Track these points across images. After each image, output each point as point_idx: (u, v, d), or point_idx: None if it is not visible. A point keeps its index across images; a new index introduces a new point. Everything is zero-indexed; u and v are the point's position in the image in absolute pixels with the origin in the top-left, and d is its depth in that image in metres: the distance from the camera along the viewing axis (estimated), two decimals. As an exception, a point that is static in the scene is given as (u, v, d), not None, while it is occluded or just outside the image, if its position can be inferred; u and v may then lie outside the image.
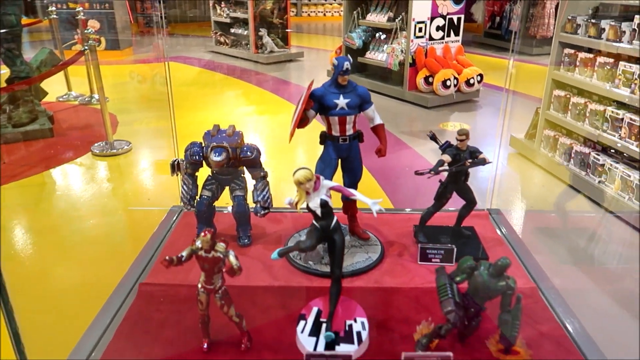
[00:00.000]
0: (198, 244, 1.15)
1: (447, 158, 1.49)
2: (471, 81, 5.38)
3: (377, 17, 6.16)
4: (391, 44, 5.99)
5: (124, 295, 1.42)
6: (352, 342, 1.22)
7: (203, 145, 1.55)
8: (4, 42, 4.94)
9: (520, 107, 5.46)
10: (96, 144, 4.97)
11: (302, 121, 1.43)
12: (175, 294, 1.42)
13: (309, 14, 14.83)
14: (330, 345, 1.21)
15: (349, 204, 1.63)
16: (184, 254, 1.16)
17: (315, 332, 1.24)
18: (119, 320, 1.33)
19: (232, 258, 1.15)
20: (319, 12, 14.82)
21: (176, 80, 6.34)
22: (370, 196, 1.25)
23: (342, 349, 1.20)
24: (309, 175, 1.20)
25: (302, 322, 1.28)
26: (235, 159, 1.53)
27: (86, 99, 6.20)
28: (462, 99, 5.29)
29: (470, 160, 1.51)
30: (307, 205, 1.24)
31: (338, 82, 1.42)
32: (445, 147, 1.52)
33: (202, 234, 1.15)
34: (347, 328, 1.26)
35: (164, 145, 4.78)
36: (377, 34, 6.31)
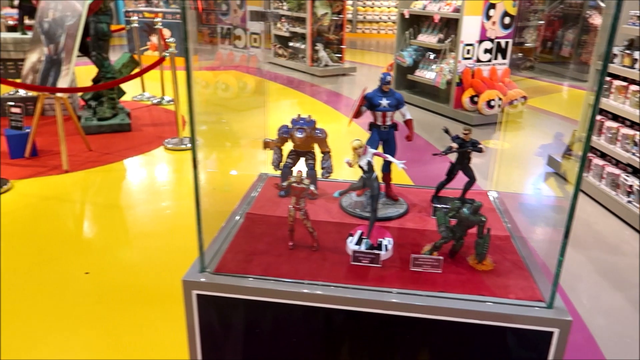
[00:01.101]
0: (292, 178, 2.15)
1: (454, 145, 2.44)
2: (514, 102, 6.20)
3: (427, 38, 7.17)
4: (440, 63, 6.96)
5: (236, 218, 2.44)
6: (381, 250, 2.17)
7: (289, 127, 2.56)
8: (97, 47, 6.12)
9: (562, 130, 6.26)
10: (167, 139, 6.14)
11: (358, 113, 2.42)
12: (269, 221, 2.44)
13: (363, 31, 16.10)
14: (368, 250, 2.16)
15: (386, 175, 2.60)
16: (284, 184, 2.17)
17: (358, 243, 2.21)
18: (235, 231, 2.34)
19: (312, 188, 2.14)
20: (373, 29, 16.08)
21: (237, 88, 7.53)
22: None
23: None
24: (361, 144, 2.19)
25: (350, 237, 2.25)
26: (310, 137, 2.53)
27: (158, 100, 7.47)
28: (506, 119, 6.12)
29: (471, 148, 2.45)
30: (358, 164, 2.22)
31: (382, 89, 2.41)
32: (455, 138, 2.48)
33: (297, 172, 2.14)
34: (378, 243, 2.21)
35: (228, 146, 5.92)
36: (427, 54, 7.32)
